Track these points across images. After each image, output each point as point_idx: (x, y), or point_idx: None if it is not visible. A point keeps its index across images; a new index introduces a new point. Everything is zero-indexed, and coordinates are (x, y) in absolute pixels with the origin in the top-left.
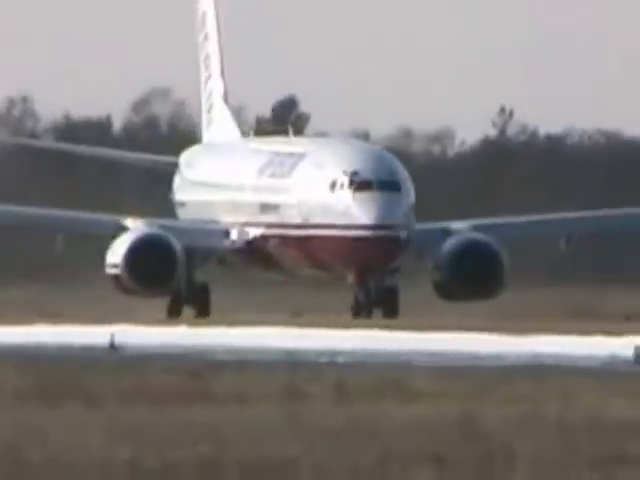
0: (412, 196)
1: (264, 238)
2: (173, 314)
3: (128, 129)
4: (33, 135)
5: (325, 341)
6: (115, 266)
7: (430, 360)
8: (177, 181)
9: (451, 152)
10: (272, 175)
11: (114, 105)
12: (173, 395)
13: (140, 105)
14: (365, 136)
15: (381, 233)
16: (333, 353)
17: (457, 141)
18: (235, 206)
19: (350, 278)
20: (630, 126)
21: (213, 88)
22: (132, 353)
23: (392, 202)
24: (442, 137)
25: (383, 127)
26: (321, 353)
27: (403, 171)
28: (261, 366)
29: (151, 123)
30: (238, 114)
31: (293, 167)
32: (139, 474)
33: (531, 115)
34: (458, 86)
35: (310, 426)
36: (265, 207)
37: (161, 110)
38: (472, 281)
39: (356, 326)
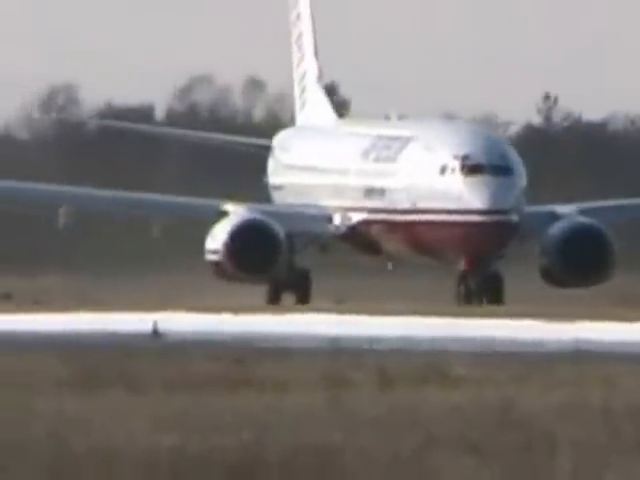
0: (524, 180)
1: (368, 223)
2: (273, 301)
3: (171, 117)
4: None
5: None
6: (215, 252)
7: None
8: (271, 165)
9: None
10: (377, 159)
11: (157, 92)
12: (216, 382)
13: (183, 92)
14: None
15: (494, 218)
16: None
17: (500, 127)
18: (337, 190)
19: (461, 265)
20: None
21: (307, 69)
22: (175, 339)
23: (504, 186)
24: (486, 122)
25: (427, 112)
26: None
27: (514, 155)
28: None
29: (193, 110)
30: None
31: (400, 150)
32: (183, 461)
33: (575, 102)
34: (502, 72)
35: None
36: (370, 191)
37: (203, 97)
38: (582, 266)
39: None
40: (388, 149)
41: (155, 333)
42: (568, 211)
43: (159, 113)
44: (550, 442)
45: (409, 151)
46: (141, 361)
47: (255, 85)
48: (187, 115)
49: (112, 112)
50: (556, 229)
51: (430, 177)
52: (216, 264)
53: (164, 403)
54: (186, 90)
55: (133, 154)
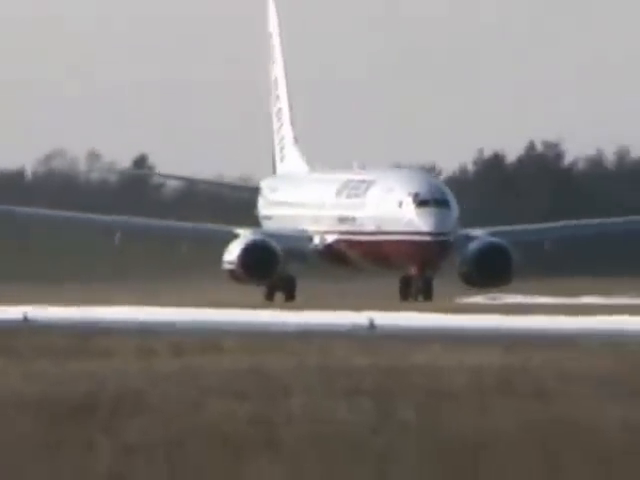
0: (457, 211)
1: (340, 242)
2: (269, 298)
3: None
4: None
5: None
6: (231, 263)
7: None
8: (261, 201)
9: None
10: (349, 196)
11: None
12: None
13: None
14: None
15: (438, 238)
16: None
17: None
18: (316, 219)
19: (412, 271)
20: None
21: (285, 134)
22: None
23: (444, 215)
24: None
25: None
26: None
27: (450, 192)
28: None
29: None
30: None
31: (366, 190)
32: (37, 402)
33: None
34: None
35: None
36: (342, 219)
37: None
38: (491, 273)
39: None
40: (357, 189)
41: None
42: (479, 233)
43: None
44: (284, 388)
45: (374, 191)
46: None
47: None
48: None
49: None
50: (473, 245)
51: (391, 209)
52: (231, 271)
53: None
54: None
55: None
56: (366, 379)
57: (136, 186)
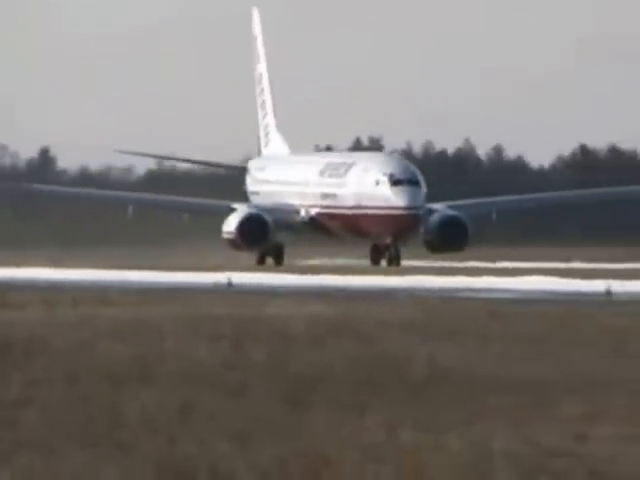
0: (425, 189)
1: (323, 215)
2: (260, 263)
3: None
4: None
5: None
6: (230, 233)
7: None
8: (249, 179)
9: None
10: (331, 175)
11: None
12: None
13: None
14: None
15: (410, 212)
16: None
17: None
18: (302, 195)
19: (388, 240)
20: None
21: (269, 122)
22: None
23: (415, 193)
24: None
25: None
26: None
27: (420, 173)
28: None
29: None
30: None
31: (347, 171)
32: None
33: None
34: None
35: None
36: (325, 195)
37: None
38: (450, 240)
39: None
40: (338, 170)
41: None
42: (440, 207)
43: None
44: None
45: (353, 171)
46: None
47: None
48: None
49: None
50: (435, 217)
51: (369, 187)
52: (230, 240)
53: None
54: None
55: None
56: (223, 325)
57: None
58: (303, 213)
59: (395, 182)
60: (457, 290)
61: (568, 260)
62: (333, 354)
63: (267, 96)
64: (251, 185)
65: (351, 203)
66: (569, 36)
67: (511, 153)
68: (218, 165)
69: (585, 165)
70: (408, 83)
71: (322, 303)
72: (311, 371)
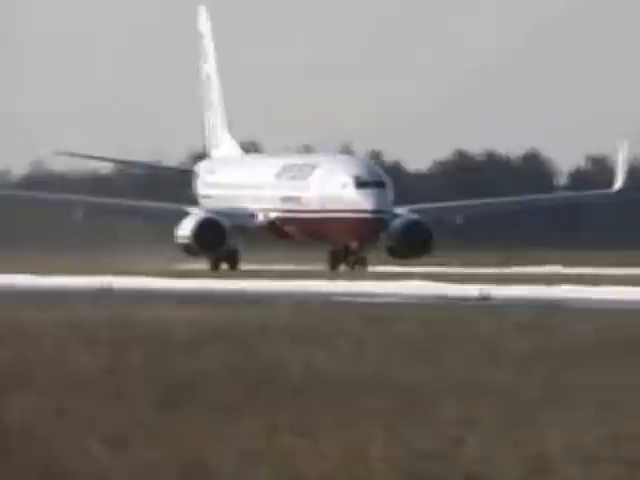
0: (392, 192)
1: (283, 219)
2: (214, 268)
3: None
4: None
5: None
6: (185, 237)
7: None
8: (198, 182)
9: None
10: (292, 178)
11: None
12: None
13: None
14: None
15: (376, 215)
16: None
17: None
18: (258, 198)
19: (354, 244)
20: None
21: (217, 121)
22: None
23: (381, 195)
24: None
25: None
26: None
27: (386, 175)
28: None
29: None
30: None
31: (310, 173)
32: None
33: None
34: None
35: None
36: (286, 199)
37: None
38: (413, 246)
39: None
40: (300, 171)
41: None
42: (402, 211)
43: None
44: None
45: (317, 173)
46: None
47: None
48: None
49: None
50: (397, 222)
51: (334, 190)
52: (185, 245)
53: None
54: None
55: None
56: (102, 330)
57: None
58: (261, 217)
59: (361, 184)
60: (335, 295)
61: (446, 265)
62: (203, 360)
63: (215, 97)
64: (201, 188)
65: (315, 206)
66: None
67: (389, 158)
68: (164, 168)
69: (461, 169)
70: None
71: (201, 308)
72: (180, 376)
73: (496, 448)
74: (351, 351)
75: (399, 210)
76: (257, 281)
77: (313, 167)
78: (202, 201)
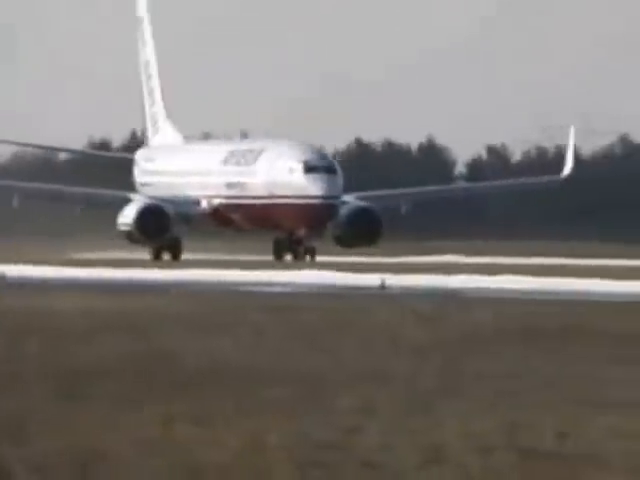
0: (342, 178)
1: (227, 206)
2: (156, 257)
3: None
4: None
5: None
6: (127, 225)
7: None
8: (137, 170)
9: None
10: (237, 163)
11: None
12: None
13: None
14: None
15: (326, 201)
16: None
17: None
18: (203, 185)
19: (302, 232)
20: None
21: (157, 110)
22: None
23: (331, 181)
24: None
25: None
26: None
27: (335, 161)
28: None
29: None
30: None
31: (256, 158)
32: None
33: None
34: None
35: None
36: (231, 185)
37: None
38: (361, 234)
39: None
40: (245, 157)
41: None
42: (349, 198)
43: None
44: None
45: (264, 158)
46: None
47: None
48: None
49: None
50: (344, 210)
51: (282, 175)
52: (128, 232)
53: None
54: None
55: None
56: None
57: None
58: (204, 204)
59: (310, 169)
60: (236, 284)
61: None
62: (98, 349)
63: (155, 83)
64: (140, 176)
65: (261, 192)
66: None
67: None
68: (102, 156)
69: (360, 157)
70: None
71: (96, 297)
72: (75, 365)
73: (393, 437)
74: (230, 340)
75: (346, 197)
76: (171, 270)
77: (259, 152)
78: (142, 189)
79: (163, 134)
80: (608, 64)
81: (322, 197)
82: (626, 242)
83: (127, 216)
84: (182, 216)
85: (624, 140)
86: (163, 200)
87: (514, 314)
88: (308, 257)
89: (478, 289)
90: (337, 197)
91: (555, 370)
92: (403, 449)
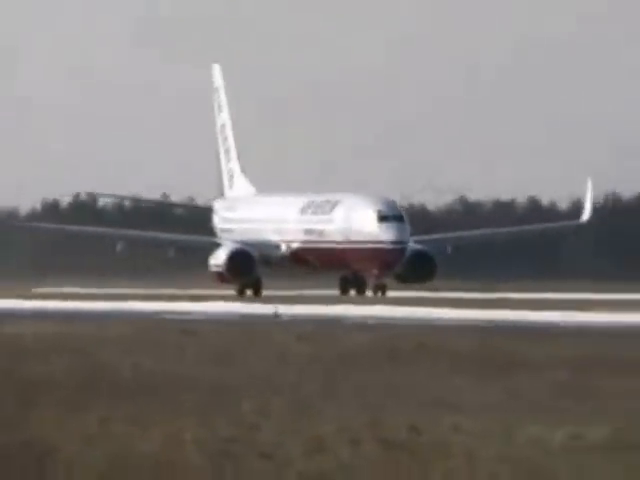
0: (409, 226)
1: (305, 250)
2: (240, 294)
3: None
4: None
5: None
6: (218, 266)
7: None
8: (216, 218)
9: None
10: (314, 213)
11: None
12: None
13: None
14: None
15: (397, 246)
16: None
17: None
18: (282, 231)
19: (375, 272)
20: None
21: (233, 167)
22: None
23: (401, 228)
24: None
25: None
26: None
27: (403, 210)
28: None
29: None
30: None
31: (332, 208)
32: None
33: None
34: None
35: None
36: (309, 231)
37: None
38: (420, 272)
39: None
40: (322, 207)
41: None
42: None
43: None
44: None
45: (339, 209)
46: None
47: None
48: None
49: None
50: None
51: (357, 223)
52: (218, 273)
53: None
54: None
55: None
56: None
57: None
58: (284, 248)
59: (382, 218)
60: (160, 313)
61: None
62: (48, 365)
63: (231, 144)
64: (221, 223)
65: (338, 238)
66: None
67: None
68: (186, 206)
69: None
70: None
71: (49, 323)
72: (32, 378)
73: (282, 435)
74: (173, 357)
75: None
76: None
77: (335, 203)
78: (223, 234)
79: (238, 187)
80: None
81: (393, 242)
82: None
83: (219, 258)
84: (264, 258)
85: None
86: (247, 244)
87: (384, 337)
88: (379, 293)
89: (360, 316)
90: (405, 242)
91: (406, 382)
92: (291, 442)
